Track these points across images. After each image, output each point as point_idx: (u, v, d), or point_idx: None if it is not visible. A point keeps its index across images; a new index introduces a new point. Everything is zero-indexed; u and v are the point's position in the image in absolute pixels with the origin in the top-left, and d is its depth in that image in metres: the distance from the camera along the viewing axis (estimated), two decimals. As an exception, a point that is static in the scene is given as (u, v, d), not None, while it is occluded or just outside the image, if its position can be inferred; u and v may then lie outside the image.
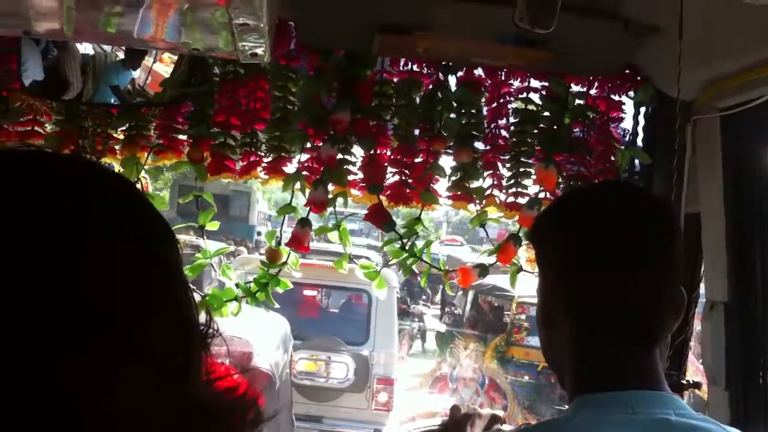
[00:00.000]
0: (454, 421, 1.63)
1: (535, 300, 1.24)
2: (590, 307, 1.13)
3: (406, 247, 2.12)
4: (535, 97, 2.04)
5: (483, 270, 2.14)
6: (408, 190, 2.07)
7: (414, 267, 2.16)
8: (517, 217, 2.09)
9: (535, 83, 2.03)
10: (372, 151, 2.05)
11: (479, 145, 2.07)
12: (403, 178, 2.07)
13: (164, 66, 2.07)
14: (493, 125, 2.06)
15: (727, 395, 1.75)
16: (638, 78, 1.97)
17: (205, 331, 0.65)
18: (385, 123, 2.05)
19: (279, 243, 2.14)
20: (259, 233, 19.42)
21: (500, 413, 1.66)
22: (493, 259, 2.14)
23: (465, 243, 21.53)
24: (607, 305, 1.11)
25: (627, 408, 1.05)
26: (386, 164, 2.07)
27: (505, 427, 1.67)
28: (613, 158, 2.01)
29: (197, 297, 0.65)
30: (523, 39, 1.76)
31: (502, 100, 2.05)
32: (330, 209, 2.10)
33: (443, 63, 2.01)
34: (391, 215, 2.11)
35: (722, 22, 1.63)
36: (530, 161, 2.05)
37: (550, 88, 2.01)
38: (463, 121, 2.04)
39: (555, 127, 2.02)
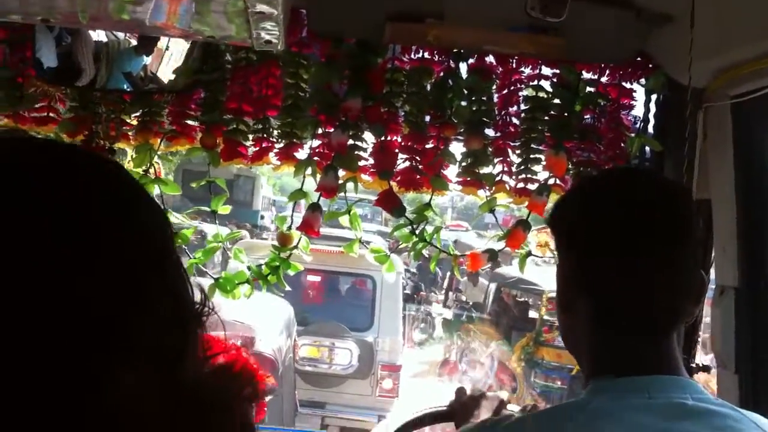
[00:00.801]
0: (460, 404, 1.64)
1: None
2: (607, 294, 1.13)
3: (416, 232, 2.13)
4: (545, 84, 2.05)
5: (492, 255, 2.15)
6: (418, 176, 2.08)
7: (425, 252, 2.18)
8: (525, 203, 2.10)
9: (546, 71, 2.03)
10: (383, 138, 2.06)
11: (490, 132, 2.08)
12: (414, 164, 2.08)
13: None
14: (503, 112, 2.07)
15: (736, 379, 1.77)
16: (650, 66, 1.97)
17: (200, 311, 0.64)
18: (396, 110, 2.06)
19: (290, 227, 2.16)
20: (262, 217, 19.37)
21: (506, 395, 1.68)
22: (501, 244, 2.16)
23: (470, 228, 21.53)
24: (624, 293, 1.11)
25: (644, 393, 1.05)
26: (397, 150, 2.08)
27: (513, 406, 1.69)
28: (623, 145, 2.02)
29: (210, 280, 0.65)
30: (535, 27, 1.77)
31: (512, 88, 2.05)
32: (340, 194, 2.12)
33: (454, 51, 2.02)
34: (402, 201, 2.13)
35: (734, 10, 1.63)
36: (540, 148, 2.06)
37: (561, 76, 2.02)
38: (474, 108, 2.05)
39: (565, 114, 2.03)
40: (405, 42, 1.98)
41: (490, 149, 2.09)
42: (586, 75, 2.02)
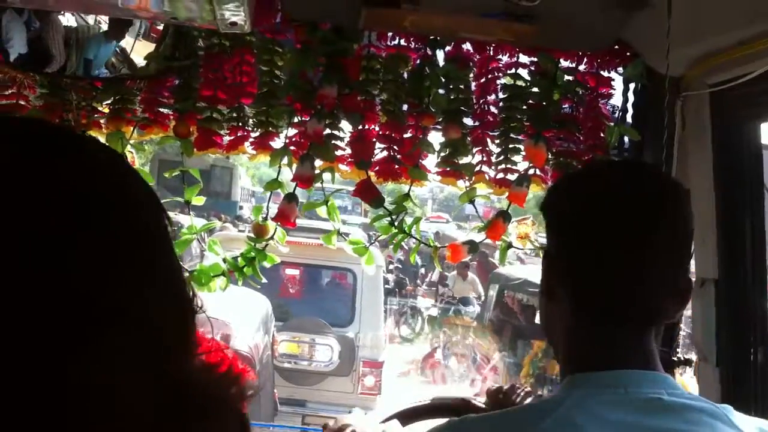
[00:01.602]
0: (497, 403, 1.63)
1: None
2: (586, 286, 1.12)
3: (395, 224, 2.11)
4: (524, 72, 2.02)
5: (473, 246, 2.13)
6: (396, 166, 2.06)
7: (403, 244, 2.15)
8: (506, 194, 2.08)
9: (524, 59, 2.01)
10: (360, 127, 2.03)
11: (468, 121, 2.06)
12: (392, 153, 2.05)
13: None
14: (481, 101, 2.05)
15: (717, 372, 1.76)
16: (628, 54, 1.96)
17: (192, 299, 0.63)
18: (373, 98, 2.04)
19: (266, 218, 2.12)
20: (241, 207, 19.26)
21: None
22: (482, 236, 2.13)
23: (451, 220, 21.59)
24: (604, 285, 1.10)
25: (620, 387, 1.04)
26: (374, 140, 2.05)
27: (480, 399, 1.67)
28: (602, 135, 2.01)
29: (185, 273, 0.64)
30: (511, 14, 1.74)
31: (490, 76, 2.03)
32: (317, 185, 2.09)
33: (431, 38, 1.99)
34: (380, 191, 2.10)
35: (712, -3, 1.62)
36: (519, 137, 2.04)
37: (538, 64, 2.00)
38: (452, 97, 2.03)
39: (544, 103, 2.01)
40: (381, 28, 1.95)
41: (469, 139, 2.07)
42: (564, 63, 1.99)
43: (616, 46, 1.96)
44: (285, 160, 2.05)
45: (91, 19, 1.98)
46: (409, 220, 2.15)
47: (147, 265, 0.58)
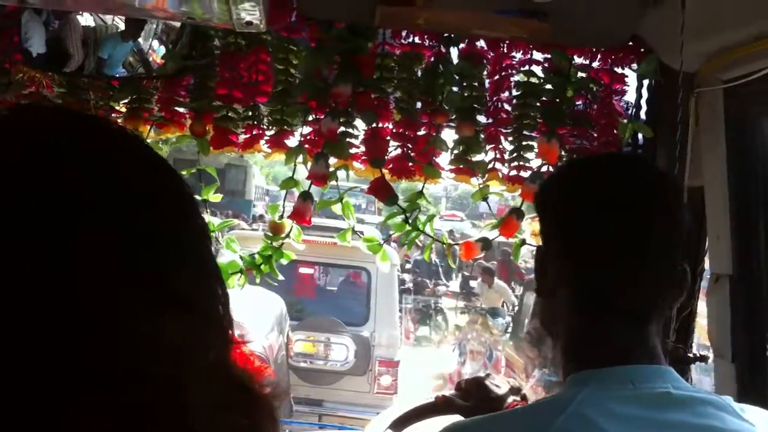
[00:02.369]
0: (462, 390, 1.62)
1: None
2: (587, 282, 1.13)
3: (410, 221, 2.12)
4: (537, 69, 2.03)
5: (486, 244, 2.14)
6: (410, 164, 2.07)
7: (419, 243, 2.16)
8: (519, 191, 2.09)
9: (537, 56, 2.02)
10: (374, 125, 2.04)
11: (481, 119, 2.07)
12: (406, 151, 2.07)
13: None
14: (495, 98, 2.05)
15: (733, 368, 1.76)
16: (642, 50, 1.96)
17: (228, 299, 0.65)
18: (387, 96, 2.05)
19: (282, 216, 2.15)
20: (254, 206, 19.24)
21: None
22: (495, 233, 2.14)
23: (465, 218, 21.46)
24: (603, 281, 1.11)
25: (627, 383, 1.05)
26: (388, 138, 2.06)
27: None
28: (615, 131, 2.01)
29: None
30: (525, 11, 1.75)
31: (504, 73, 2.04)
32: (332, 183, 2.10)
33: (445, 35, 2.00)
34: (394, 189, 2.11)
35: (725, -7, 1.62)
36: (533, 134, 2.05)
37: (552, 61, 2.01)
38: (465, 94, 2.03)
39: (557, 100, 2.02)
40: (395, 25, 1.96)
41: (482, 136, 2.08)
42: (577, 60, 2.00)
43: (630, 43, 1.96)
44: (300, 158, 2.06)
45: (109, 19, 2.00)
46: (423, 217, 2.17)
47: (196, 251, 0.60)
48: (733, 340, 1.77)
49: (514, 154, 2.07)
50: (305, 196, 2.10)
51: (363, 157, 2.07)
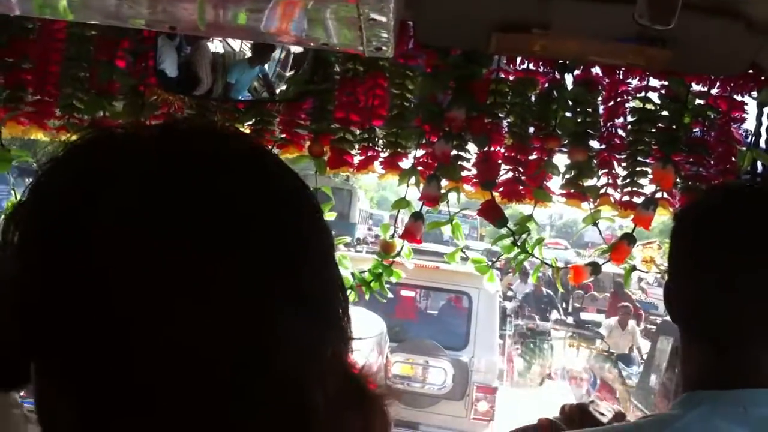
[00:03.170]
0: (565, 415, 1.62)
1: None
2: (704, 308, 1.14)
3: (518, 244, 2.14)
4: (653, 96, 2.02)
5: (596, 268, 2.13)
6: (521, 187, 2.09)
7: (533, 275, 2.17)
8: (630, 217, 2.07)
9: (653, 82, 2.01)
10: (486, 149, 2.08)
11: (594, 144, 2.07)
12: (517, 175, 2.09)
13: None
14: (609, 124, 2.06)
15: None
16: (762, 78, 1.93)
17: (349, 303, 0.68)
18: (500, 121, 2.08)
19: (393, 235, 2.21)
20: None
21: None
22: (605, 258, 2.13)
23: (570, 247, 21.03)
24: (722, 309, 1.11)
25: (738, 406, 1.05)
26: (500, 161, 2.09)
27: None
28: (734, 159, 1.97)
29: None
30: (643, 38, 1.75)
31: (619, 99, 2.04)
32: (441, 206, 2.15)
33: (560, 61, 2.03)
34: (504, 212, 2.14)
35: None
36: (647, 161, 2.04)
37: (669, 88, 1.99)
38: (579, 120, 2.05)
39: (674, 126, 2.00)
40: (510, 52, 2.00)
41: (595, 161, 2.08)
42: (695, 87, 1.98)
43: (750, 70, 1.93)
44: (413, 180, 2.12)
45: (237, 45, 2.12)
46: (530, 241, 2.18)
47: (323, 257, 0.65)
48: None
49: (627, 180, 2.06)
50: (417, 216, 2.15)
51: (474, 180, 2.11)
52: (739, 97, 1.98)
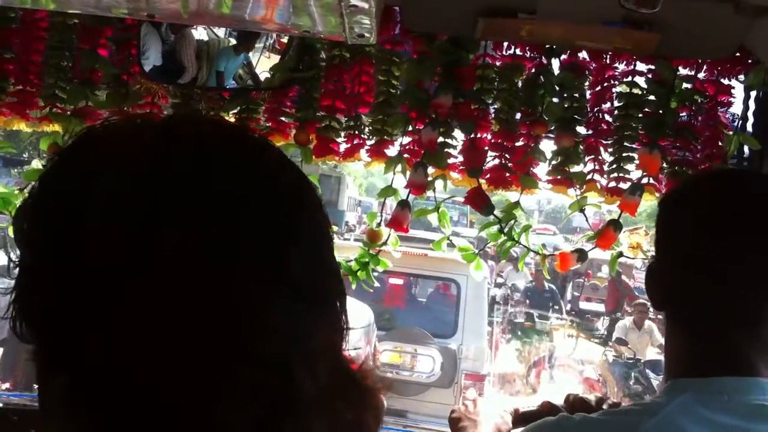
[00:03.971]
0: (569, 404, 1.62)
1: None
2: (692, 296, 1.14)
3: (505, 231, 2.13)
4: (640, 80, 2.02)
5: (582, 255, 2.13)
6: (507, 174, 2.08)
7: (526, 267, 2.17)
8: (617, 203, 2.07)
9: (640, 66, 2.00)
10: (473, 135, 2.07)
11: (581, 130, 2.07)
12: (503, 162, 2.08)
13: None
14: (596, 109, 2.05)
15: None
16: (749, 61, 1.92)
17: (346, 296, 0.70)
18: (487, 107, 2.07)
19: (380, 224, 2.19)
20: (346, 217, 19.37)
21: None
22: (591, 245, 2.13)
23: (558, 232, 21.10)
24: (721, 301, 1.12)
25: (721, 394, 1.06)
26: (486, 148, 2.09)
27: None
28: (720, 144, 1.97)
29: None
30: (629, 22, 1.74)
31: (606, 84, 2.03)
32: (428, 193, 2.14)
33: (546, 46, 2.01)
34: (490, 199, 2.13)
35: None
36: (634, 146, 2.03)
37: (656, 72, 1.99)
38: (566, 105, 2.04)
39: (660, 111, 2.00)
40: (497, 38, 1.98)
41: (582, 147, 2.07)
42: (682, 71, 1.97)
43: (737, 53, 1.92)
44: (399, 167, 2.11)
45: (221, 33, 2.10)
46: (517, 228, 2.17)
47: (319, 247, 0.66)
48: None
49: (614, 166, 2.06)
50: (403, 204, 2.14)
51: (461, 167, 2.10)
52: (726, 81, 1.98)
